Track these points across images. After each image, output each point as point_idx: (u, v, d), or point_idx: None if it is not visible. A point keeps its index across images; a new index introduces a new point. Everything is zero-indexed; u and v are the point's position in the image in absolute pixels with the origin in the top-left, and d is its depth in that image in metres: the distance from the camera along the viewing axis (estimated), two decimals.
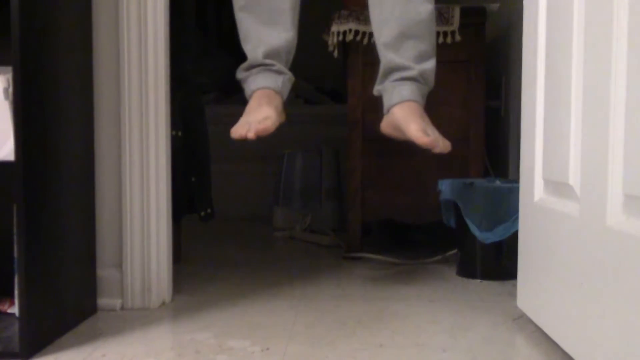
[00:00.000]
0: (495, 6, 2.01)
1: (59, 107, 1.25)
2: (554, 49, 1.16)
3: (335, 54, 2.01)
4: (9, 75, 1.13)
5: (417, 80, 1.46)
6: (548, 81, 1.19)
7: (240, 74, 1.49)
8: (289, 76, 1.48)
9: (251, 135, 1.35)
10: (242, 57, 1.50)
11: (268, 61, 1.45)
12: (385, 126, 1.51)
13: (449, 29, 1.96)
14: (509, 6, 2.10)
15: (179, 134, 1.79)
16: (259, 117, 1.37)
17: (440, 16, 1.95)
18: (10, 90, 1.15)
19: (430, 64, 1.49)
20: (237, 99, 3.33)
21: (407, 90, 1.44)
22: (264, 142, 1.87)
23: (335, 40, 1.98)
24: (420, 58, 1.46)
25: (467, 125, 2.00)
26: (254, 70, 1.46)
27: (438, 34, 1.96)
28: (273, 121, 1.38)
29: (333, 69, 2.77)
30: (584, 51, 1.01)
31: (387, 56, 1.48)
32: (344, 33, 1.97)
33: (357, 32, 1.95)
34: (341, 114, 2.31)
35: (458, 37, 1.96)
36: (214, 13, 3.97)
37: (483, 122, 2.01)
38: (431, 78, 1.49)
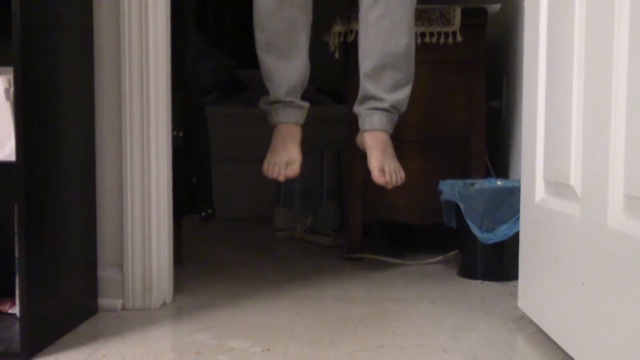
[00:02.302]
0: (496, 7, 2.01)
1: (60, 107, 1.25)
2: (555, 49, 1.16)
3: (337, 54, 2.01)
4: (10, 76, 1.13)
5: (388, 110, 1.69)
6: (549, 82, 1.19)
7: (263, 106, 1.72)
8: (305, 108, 1.72)
9: (281, 179, 1.65)
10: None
11: (288, 98, 1.68)
12: (358, 142, 1.77)
13: (450, 29, 1.96)
14: (510, 7, 2.10)
15: (180, 134, 1.79)
16: (286, 158, 1.66)
17: (442, 17, 1.95)
18: (12, 91, 1.15)
19: (404, 93, 1.71)
20: (237, 100, 3.34)
21: (377, 120, 1.68)
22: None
23: (336, 41, 1.98)
24: (395, 87, 1.69)
25: (468, 126, 2.00)
26: (277, 105, 1.69)
27: (439, 34, 1.96)
28: (299, 163, 1.67)
29: (334, 69, 2.77)
30: (585, 52, 1.01)
31: (365, 85, 1.70)
32: (345, 34, 1.97)
33: (358, 33, 1.95)
34: (342, 115, 2.30)
35: (459, 38, 1.96)
36: (214, 13, 3.97)
37: (484, 122, 2.00)
38: (403, 105, 1.72)
